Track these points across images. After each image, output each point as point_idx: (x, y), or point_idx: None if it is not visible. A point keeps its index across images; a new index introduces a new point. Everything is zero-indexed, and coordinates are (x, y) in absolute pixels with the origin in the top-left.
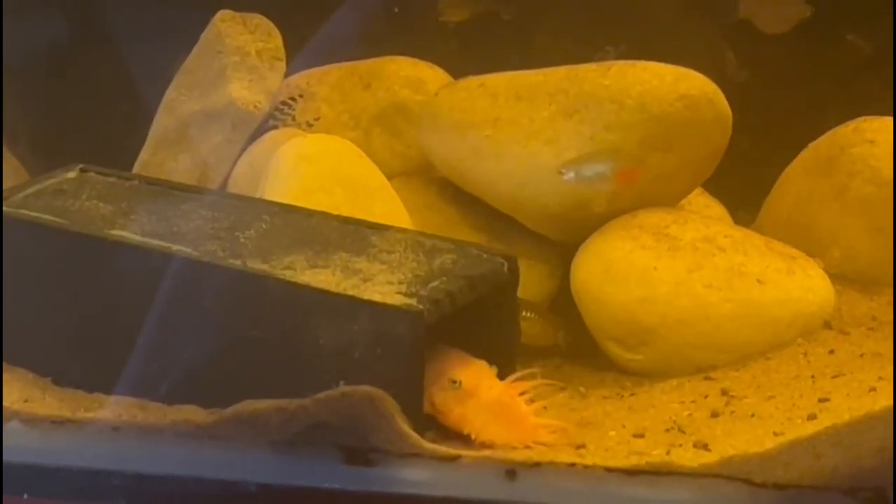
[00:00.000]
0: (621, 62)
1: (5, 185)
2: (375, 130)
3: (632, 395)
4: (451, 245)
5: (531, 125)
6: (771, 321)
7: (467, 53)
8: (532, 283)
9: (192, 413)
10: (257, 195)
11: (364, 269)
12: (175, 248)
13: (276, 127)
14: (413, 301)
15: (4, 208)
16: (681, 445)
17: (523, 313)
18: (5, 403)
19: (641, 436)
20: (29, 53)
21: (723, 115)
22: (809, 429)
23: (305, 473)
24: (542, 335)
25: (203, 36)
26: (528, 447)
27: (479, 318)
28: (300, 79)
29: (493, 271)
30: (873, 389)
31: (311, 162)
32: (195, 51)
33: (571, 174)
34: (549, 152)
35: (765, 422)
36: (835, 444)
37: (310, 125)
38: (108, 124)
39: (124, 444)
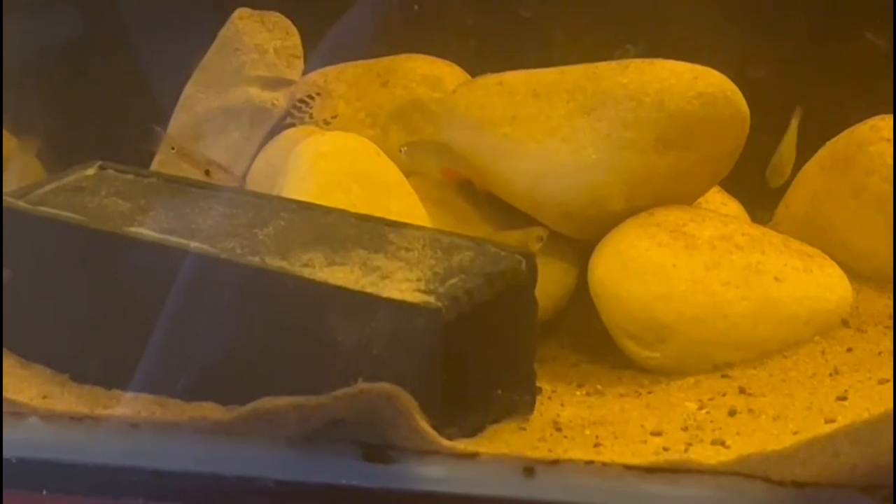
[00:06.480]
0: (639, 60)
1: (23, 184)
2: (393, 128)
3: (649, 392)
4: (469, 242)
5: (548, 122)
6: (788, 319)
7: (485, 51)
8: (550, 280)
9: (210, 410)
10: (275, 192)
11: (382, 266)
12: (193, 244)
13: (293, 125)
14: (431, 298)
15: (23, 204)
16: (699, 443)
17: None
18: (24, 399)
19: (659, 433)
20: (47, 50)
21: (741, 112)
22: (828, 427)
23: (324, 470)
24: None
25: (221, 33)
26: None
27: (497, 316)
28: (317, 76)
29: (511, 269)
30: (886, 381)
31: (329, 159)
32: (213, 48)
33: (406, 150)
34: (567, 150)
35: (783, 420)
36: (853, 442)
37: (327, 123)
38: (125, 121)
39: (143, 441)
